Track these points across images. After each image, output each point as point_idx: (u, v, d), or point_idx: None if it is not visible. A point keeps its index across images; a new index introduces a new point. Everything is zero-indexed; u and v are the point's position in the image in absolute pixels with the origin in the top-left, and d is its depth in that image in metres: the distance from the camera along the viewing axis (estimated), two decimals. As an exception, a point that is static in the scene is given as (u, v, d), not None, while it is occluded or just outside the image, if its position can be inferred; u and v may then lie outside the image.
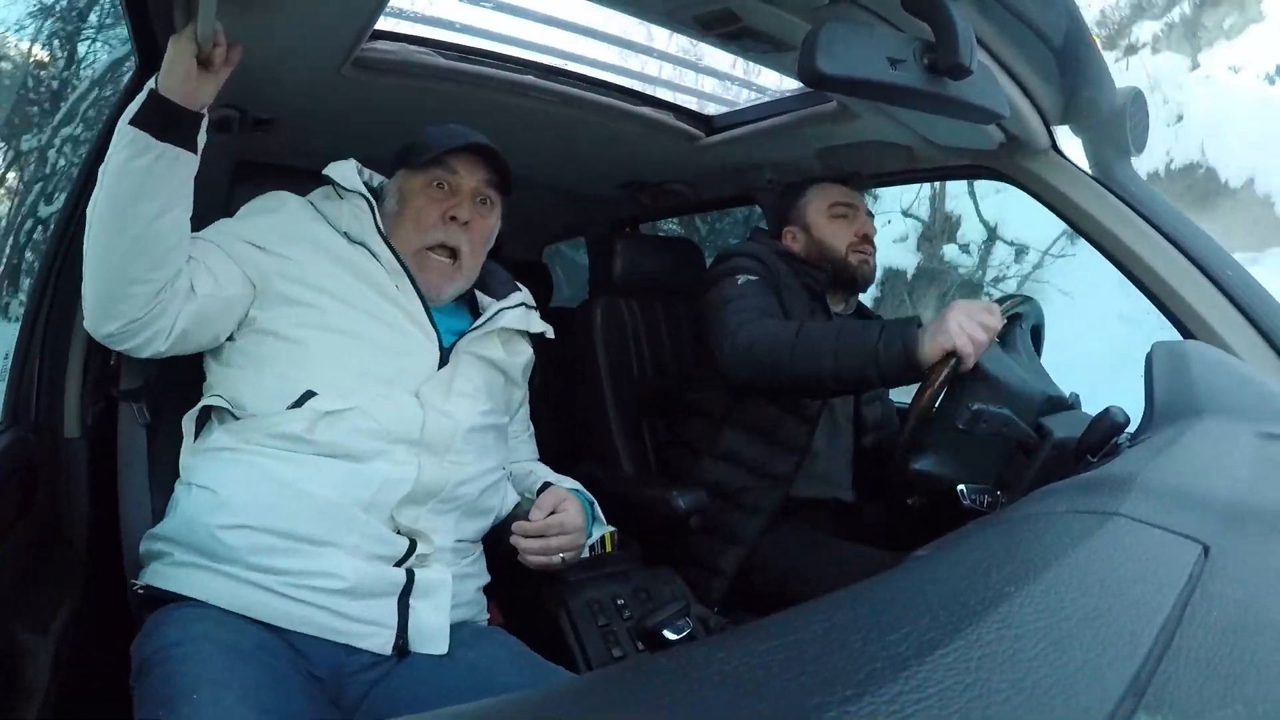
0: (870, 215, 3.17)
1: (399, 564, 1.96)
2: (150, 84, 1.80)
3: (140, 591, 1.94)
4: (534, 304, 2.46)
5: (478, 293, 2.41)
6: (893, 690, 0.57)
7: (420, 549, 1.99)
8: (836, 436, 3.07)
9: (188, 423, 2.10)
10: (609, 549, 2.60)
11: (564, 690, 0.63)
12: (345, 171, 2.24)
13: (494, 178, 2.30)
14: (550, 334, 2.47)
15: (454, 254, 2.24)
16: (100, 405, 2.49)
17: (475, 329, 2.23)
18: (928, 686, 0.58)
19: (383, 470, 1.96)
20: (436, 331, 2.15)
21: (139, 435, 2.27)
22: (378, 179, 2.37)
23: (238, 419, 2.01)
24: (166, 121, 1.80)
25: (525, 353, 2.42)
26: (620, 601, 2.60)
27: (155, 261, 1.88)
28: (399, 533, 1.98)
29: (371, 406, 1.98)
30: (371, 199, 2.21)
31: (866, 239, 3.13)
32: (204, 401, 2.09)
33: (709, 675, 0.61)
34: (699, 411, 3.07)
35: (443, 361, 2.13)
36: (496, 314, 2.28)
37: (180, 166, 1.85)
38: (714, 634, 2.33)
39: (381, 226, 2.19)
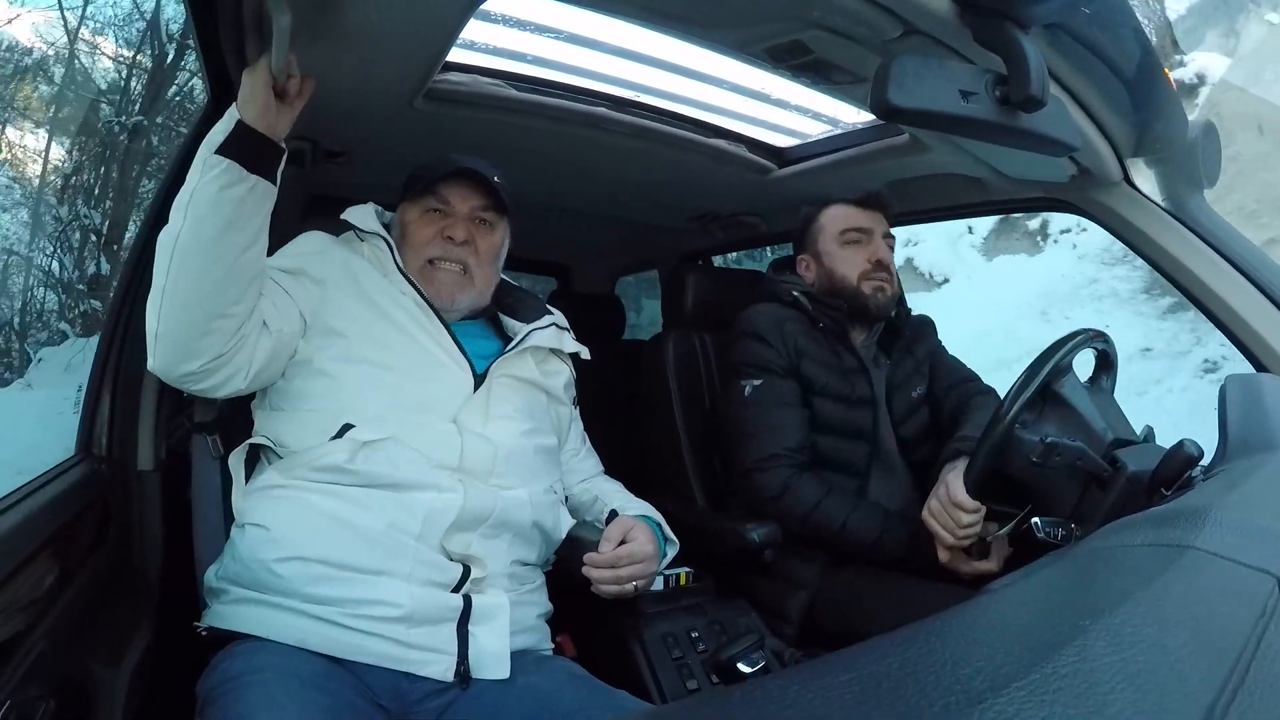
0: (889, 237, 3.09)
1: (455, 590, 1.97)
2: (234, 114, 1.82)
3: (204, 634, 1.96)
4: (566, 325, 2.48)
5: (507, 318, 2.43)
6: (968, 723, 0.57)
7: (475, 573, 2.00)
8: (890, 478, 3.02)
9: (235, 463, 2.13)
10: (684, 583, 2.61)
11: (640, 720, 0.63)
12: (363, 215, 2.28)
13: (486, 201, 2.33)
14: (586, 354, 2.48)
15: (463, 267, 2.27)
16: (174, 438, 2.50)
17: (508, 351, 2.25)
18: (1003, 719, 0.58)
19: (428, 498, 1.98)
20: (466, 357, 2.18)
21: (212, 468, 2.27)
22: (388, 215, 2.40)
23: (282, 457, 2.05)
24: (253, 153, 1.82)
25: (563, 371, 2.44)
26: (694, 634, 2.59)
27: (239, 295, 1.89)
28: (451, 559, 1.99)
29: (408, 435, 2.01)
30: (389, 239, 2.25)
31: (881, 264, 3.03)
32: (249, 441, 2.12)
33: (784, 709, 0.61)
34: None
35: (477, 386, 2.15)
36: (528, 334, 2.31)
37: (267, 200, 1.88)
38: (788, 667, 2.32)
39: (400, 263, 2.23)
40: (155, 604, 2.31)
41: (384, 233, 2.25)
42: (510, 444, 2.13)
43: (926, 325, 3.31)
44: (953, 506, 2.37)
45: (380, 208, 2.37)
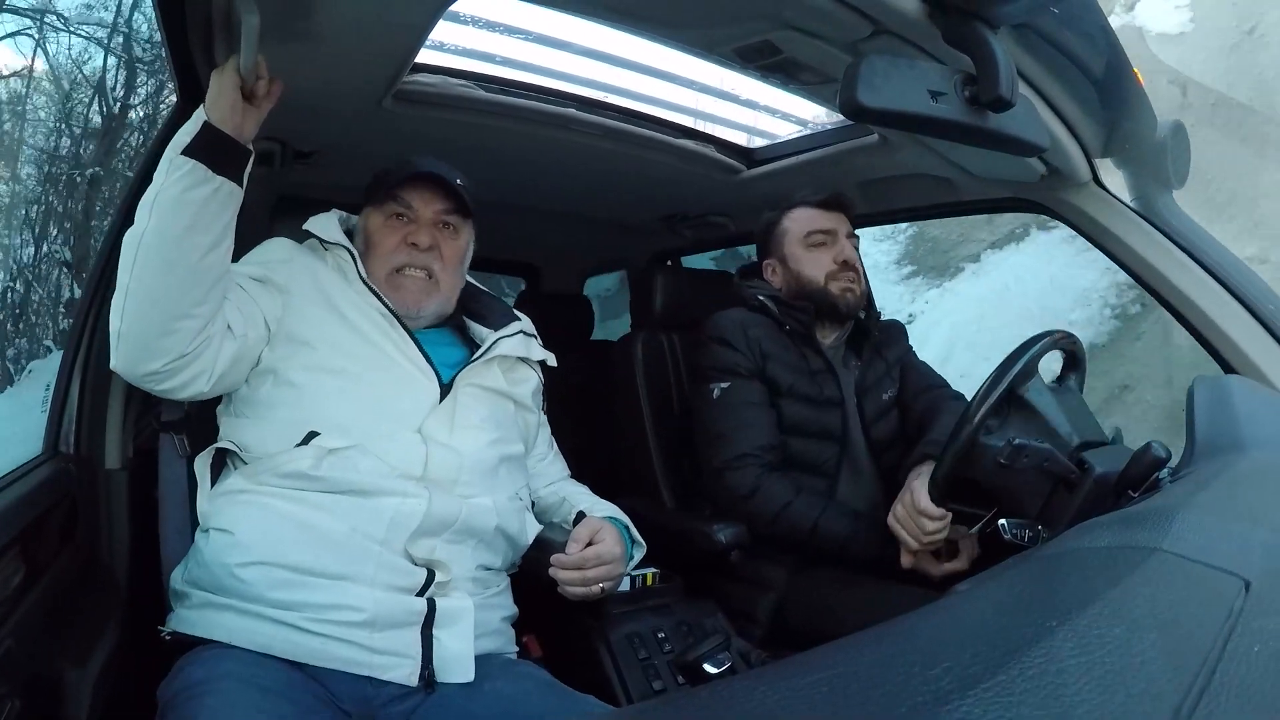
0: (853, 237, 3.09)
1: (419, 594, 1.97)
2: (201, 115, 1.81)
3: (168, 638, 1.95)
4: (534, 331, 2.47)
5: (474, 324, 2.42)
6: (935, 725, 0.57)
7: (439, 578, 1.99)
8: (859, 480, 3.02)
9: (201, 467, 2.12)
10: (650, 583, 2.61)
11: (604, 723, 0.63)
12: (326, 225, 2.27)
13: (449, 204, 2.32)
14: (552, 361, 2.48)
15: (425, 272, 2.26)
16: (142, 437, 2.49)
17: (474, 360, 2.24)
18: (970, 720, 0.58)
19: (392, 504, 1.97)
20: (432, 366, 2.17)
21: (179, 467, 2.26)
22: (352, 220, 2.40)
23: (247, 463, 2.03)
24: (219, 154, 1.81)
25: (531, 379, 2.42)
26: (661, 635, 2.59)
27: (202, 296, 1.88)
28: (415, 564, 1.99)
29: (374, 445, 2.00)
30: (353, 249, 2.23)
31: (847, 264, 3.03)
32: (215, 446, 2.11)
33: (750, 709, 0.61)
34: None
35: (444, 395, 2.14)
36: (494, 343, 2.29)
37: (232, 201, 1.87)
38: (755, 667, 2.32)
39: (364, 273, 2.21)
40: (123, 602, 2.30)
41: (346, 242, 2.24)
42: (476, 454, 2.12)
43: (897, 329, 3.32)
44: (917, 514, 2.39)
45: (344, 213, 2.37)
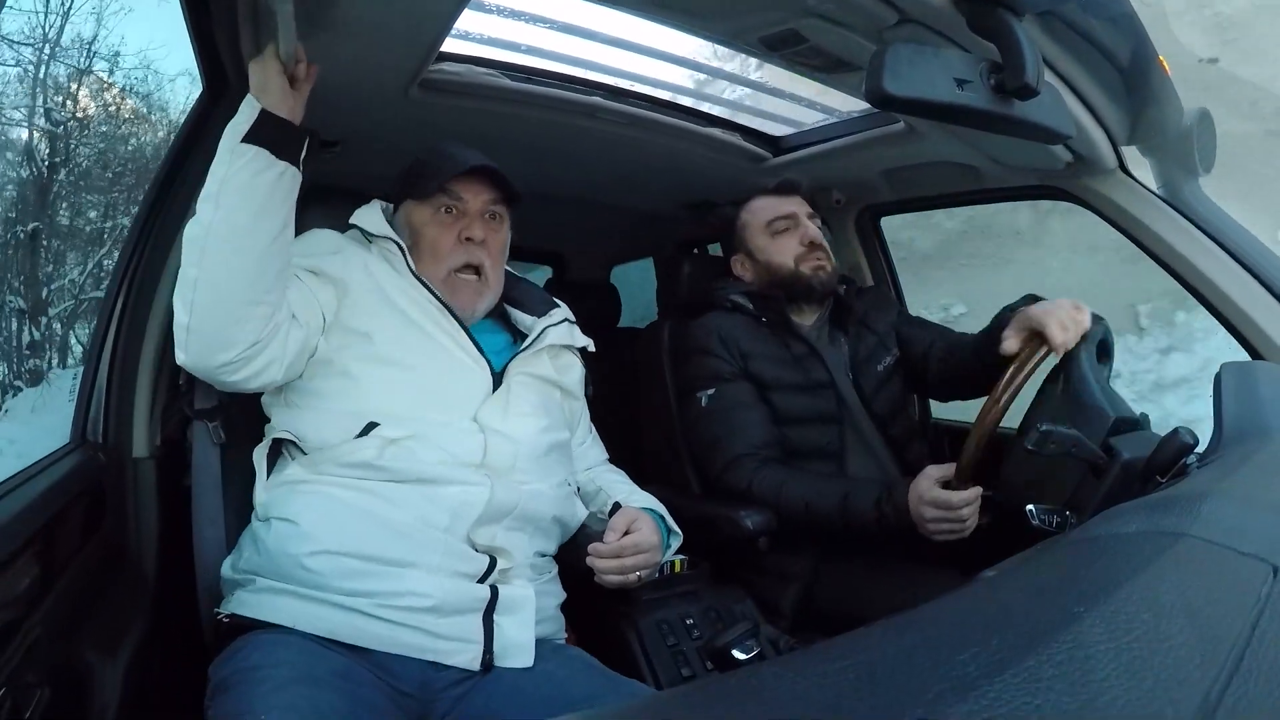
0: (814, 218, 3.09)
1: (481, 580, 1.98)
2: (254, 102, 1.84)
3: (226, 620, 1.96)
4: (574, 319, 2.48)
5: (516, 311, 2.44)
6: (963, 710, 0.57)
7: (501, 564, 2.01)
8: (869, 456, 3.02)
9: (259, 458, 2.12)
10: (678, 570, 2.61)
11: (633, 710, 0.63)
12: (371, 218, 2.28)
13: (499, 194, 2.32)
14: (591, 347, 2.49)
15: (478, 271, 2.27)
16: (170, 425, 2.50)
17: (525, 349, 2.26)
18: (998, 706, 0.58)
19: (455, 492, 1.98)
20: (484, 356, 2.17)
21: (213, 455, 2.26)
22: (390, 210, 2.40)
23: (305, 453, 2.05)
24: (280, 138, 1.85)
25: (575, 365, 2.44)
26: (690, 621, 2.60)
27: (273, 282, 1.91)
28: (478, 550, 2.00)
29: (433, 434, 2.01)
30: (401, 242, 2.23)
31: (814, 244, 3.05)
32: (271, 435, 2.12)
33: (779, 695, 0.61)
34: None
35: (496, 384, 2.16)
36: (543, 332, 2.31)
37: (295, 184, 1.90)
38: (783, 654, 2.33)
39: (413, 266, 2.22)
40: (151, 591, 2.30)
41: (394, 235, 2.24)
42: (530, 441, 2.14)
43: (883, 297, 3.34)
44: (951, 509, 2.37)
45: (385, 203, 2.37)
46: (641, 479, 2.52)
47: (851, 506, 2.59)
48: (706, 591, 2.75)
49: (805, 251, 3.02)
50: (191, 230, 1.85)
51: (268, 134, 1.83)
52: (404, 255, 2.21)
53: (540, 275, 5.05)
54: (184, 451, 2.29)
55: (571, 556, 2.24)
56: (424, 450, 1.98)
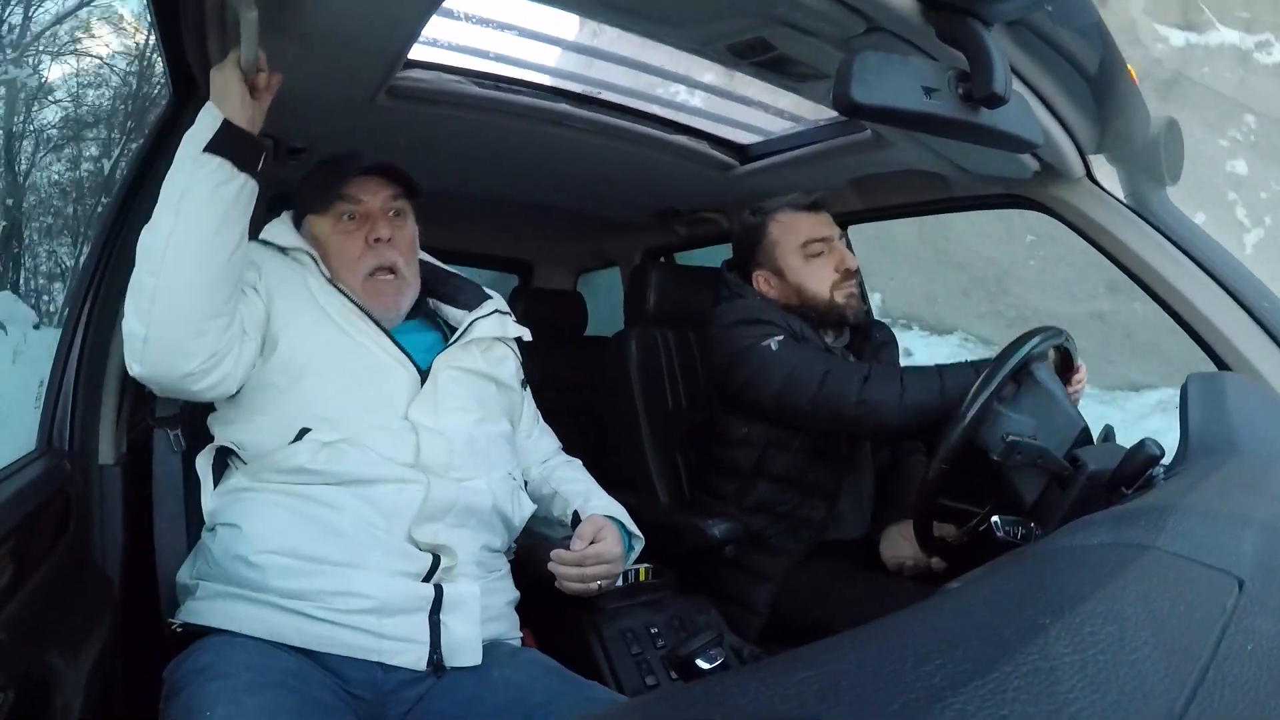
0: (844, 238, 3.03)
1: (426, 579, 1.99)
2: (215, 111, 1.84)
3: (178, 630, 1.98)
4: (508, 309, 2.47)
5: (446, 307, 2.44)
6: (927, 721, 0.56)
7: (445, 562, 2.02)
8: (857, 477, 3.00)
9: (204, 467, 2.14)
10: (643, 579, 2.62)
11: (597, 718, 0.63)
12: (280, 232, 2.28)
13: (396, 189, 2.32)
14: (528, 336, 2.49)
15: (393, 270, 2.27)
16: (136, 432, 2.49)
17: (451, 343, 2.27)
18: (963, 718, 0.57)
19: (391, 492, 2.00)
20: (405, 354, 2.18)
21: (174, 462, 2.28)
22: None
23: (245, 462, 2.06)
24: (241, 149, 1.84)
25: (509, 357, 2.43)
26: (654, 630, 2.63)
27: (230, 293, 1.92)
28: (420, 549, 2.01)
29: (365, 436, 2.02)
30: (313, 253, 2.24)
31: (850, 273, 2.92)
32: (216, 445, 2.14)
33: (742, 706, 0.61)
34: (728, 470, 2.98)
35: (424, 381, 2.16)
36: (470, 325, 2.31)
37: (253, 197, 1.91)
38: (747, 664, 2.33)
39: (328, 273, 2.23)
40: (116, 596, 2.30)
41: (306, 246, 2.25)
42: (464, 435, 2.14)
43: (888, 332, 3.28)
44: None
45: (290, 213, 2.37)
46: (606, 486, 2.52)
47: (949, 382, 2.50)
48: (671, 601, 2.78)
49: (840, 279, 2.90)
50: (148, 239, 1.85)
51: (229, 144, 1.83)
52: (317, 265, 2.22)
53: (507, 284, 5.06)
54: (148, 458, 2.30)
55: (534, 561, 2.26)
56: (357, 452, 2.00)
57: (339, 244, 2.26)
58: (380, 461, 2.01)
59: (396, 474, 2.01)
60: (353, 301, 2.19)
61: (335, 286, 2.20)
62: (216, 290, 1.88)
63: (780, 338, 2.75)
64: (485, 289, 2.49)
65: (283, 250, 2.25)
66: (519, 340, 2.48)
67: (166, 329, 1.87)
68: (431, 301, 2.44)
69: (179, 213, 1.82)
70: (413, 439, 2.06)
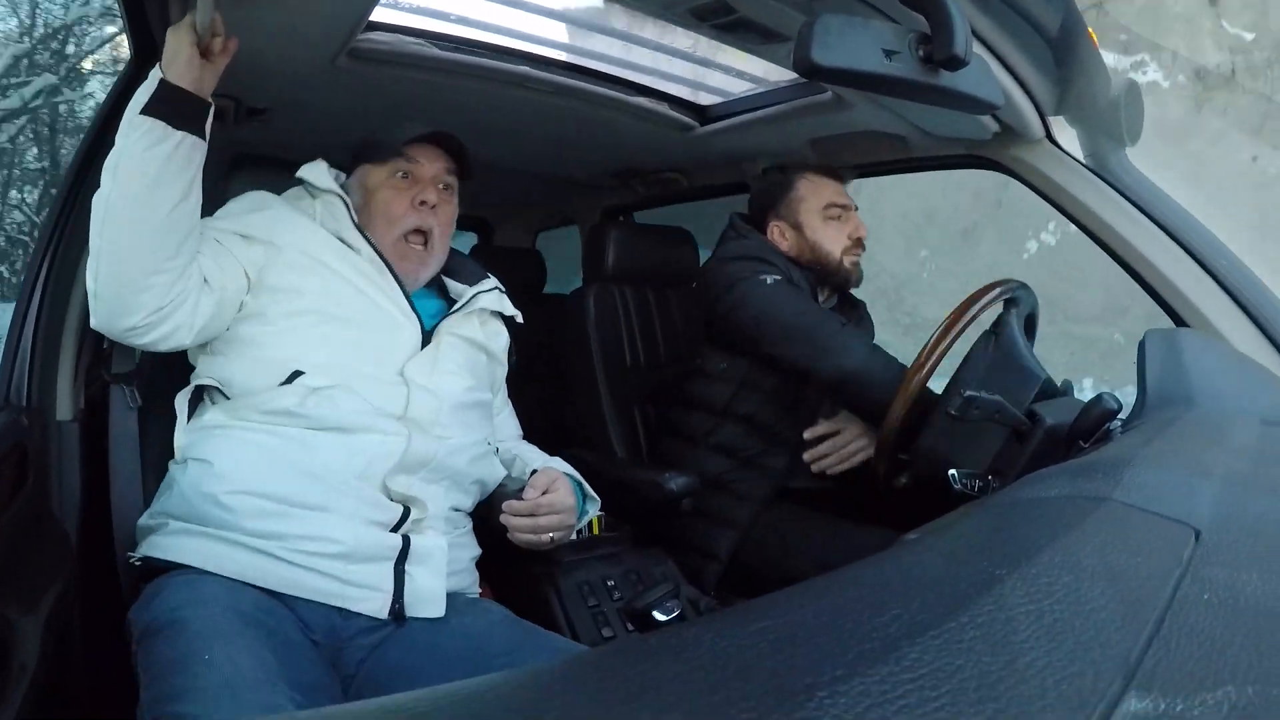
0: (856, 210, 3.09)
1: (395, 529, 2.01)
2: (158, 73, 1.85)
3: (137, 564, 1.99)
4: (504, 289, 2.52)
5: (449, 280, 2.47)
6: (883, 670, 0.57)
7: (414, 514, 2.05)
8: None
9: (181, 403, 2.14)
10: (596, 531, 2.63)
11: (550, 670, 0.63)
12: (317, 172, 2.30)
13: (452, 165, 2.37)
14: (519, 318, 2.53)
15: (425, 239, 2.31)
16: (93, 389, 2.50)
17: (456, 310, 2.31)
18: (919, 667, 0.58)
19: (373, 441, 2.01)
20: (416, 314, 2.21)
21: (130, 418, 2.32)
22: (343, 177, 2.41)
23: (229, 398, 2.07)
24: (178, 109, 1.85)
25: (502, 333, 2.48)
26: (611, 583, 2.66)
27: (174, 250, 1.92)
28: (392, 499, 2.03)
29: (358, 385, 2.04)
30: (345, 196, 2.26)
31: (860, 242, 3.06)
32: (195, 382, 2.15)
33: (698, 656, 0.61)
34: (699, 405, 3.04)
35: (425, 342, 2.19)
36: (474, 296, 2.36)
37: (196, 154, 1.90)
38: (704, 615, 2.35)
39: (355, 219, 2.25)
40: (72, 551, 2.31)
41: (338, 189, 2.27)
42: (453, 397, 2.17)
43: (866, 311, 3.34)
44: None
45: (331, 168, 2.38)
46: (564, 443, 2.55)
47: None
48: (628, 554, 2.82)
49: (850, 245, 3.04)
50: (96, 200, 1.89)
51: (167, 105, 1.84)
52: (348, 209, 2.24)
53: (466, 241, 5.07)
54: (105, 414, 2.34)
55: (489, 514, 2.28)
56: (346, 400, 2.01)
57: (387, 198, 2.30)
58: (369, 411, 2.03)
59: (380, 424, 2.03)
60: (378, 253, 2.22)
61: (362, 233, 2.23)
62: (158, 248, 1.90)
63: (777, 277, 2.84)
64: (485, 270, 2.54)
65: (313, 194, 2.29)
66: (511, 321, 2.51)
67: (110, 284, 1.92)
68: (440, 275, 2.46)
69: (115, 175, 1.86)
70: (404, 392, 2.09)
